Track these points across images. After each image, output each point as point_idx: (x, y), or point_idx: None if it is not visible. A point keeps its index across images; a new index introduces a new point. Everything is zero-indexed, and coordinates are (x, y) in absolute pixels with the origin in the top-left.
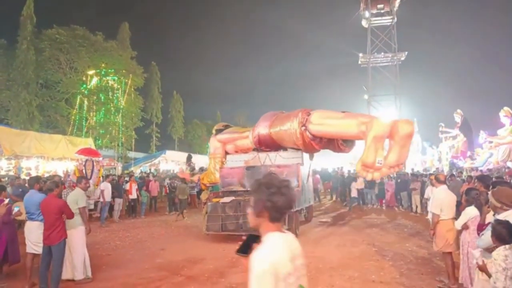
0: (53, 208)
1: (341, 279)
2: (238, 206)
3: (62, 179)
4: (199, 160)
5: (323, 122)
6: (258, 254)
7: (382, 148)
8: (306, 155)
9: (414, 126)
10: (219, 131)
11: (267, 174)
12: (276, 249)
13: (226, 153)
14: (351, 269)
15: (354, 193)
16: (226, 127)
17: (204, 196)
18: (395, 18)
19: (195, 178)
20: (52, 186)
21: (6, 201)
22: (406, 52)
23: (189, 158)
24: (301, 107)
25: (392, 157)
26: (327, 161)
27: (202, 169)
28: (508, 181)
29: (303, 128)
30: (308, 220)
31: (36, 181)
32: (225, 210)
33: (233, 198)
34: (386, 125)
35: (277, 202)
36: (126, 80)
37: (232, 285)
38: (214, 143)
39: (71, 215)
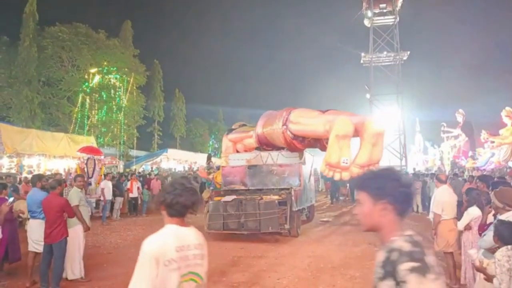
0: (55, 206)
1: (342, 278)
2: (240, 205)
3: (64, 177)
4: (200, 159)
5: (299, 121)
6: (147, 240)
7: (348, 146)
8: (307, 155)
9: (383, 125)
10: (231, 130)
11: (183, 177)
12: (163, 238)
13: (238, 152)
14: (353, 268)
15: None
16: (242, 126)
17: (206, 194)
18: (398, 18)
19: (210, 176)
20: (54, 184)
21: (11, 199)
22: (408, 52)
23: (209, 158)
24: (304, 106)
25: (362, 156)
26: None
27: (219, 168)
28: (509, 182)
29: (284, 127)
30: (309, 219)
31: (38, 179)
32: (226, 209)
33: (235, 197)
34: (348, 124)
35: (172, 200)
36: (128, 78)
37: (233, 284)
38: (226, 142)
39: (72, 214)
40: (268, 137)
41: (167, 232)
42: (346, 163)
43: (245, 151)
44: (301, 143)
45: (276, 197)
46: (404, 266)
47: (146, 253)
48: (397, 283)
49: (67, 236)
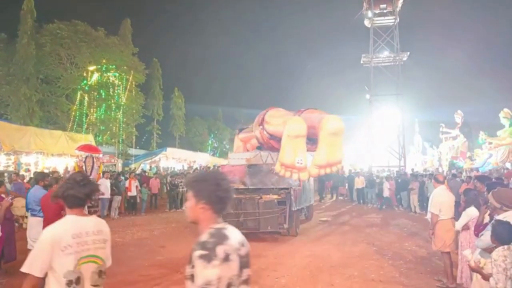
0: (52, 205)
1: (341, 277)
2: (239, 204)
3: (62, 175)
4: (199, 158)
5: (271, 121)
6: (46, 229)
7: (301, 147)
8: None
9: (341, 123)
10: (241, 130)
11: (78, 172)
12: (60, 227)
13: (248, 151)
14: (351, 268)
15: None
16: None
17: None
18: (398, 18)
19: None
20: (52, 182)
21: (9, 198)
22: (408, 53)
23: None
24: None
25: (320, 156)
26: None
27: None
28: (506, 183)
29: (261, 127)
30: (308, 219)
31: (42, 178)
32: None
33: (234, 196)
34: (299, 124)
35: (63, 193)
36: (127, 77)
37: None
38: (237, 142)
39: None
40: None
41: (65, 221)
42: (301, 163)
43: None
44: (278, 143)
45: (275, 196)
46: (196, 253)
47: (42, 240)
48: (192, 266)
49: None
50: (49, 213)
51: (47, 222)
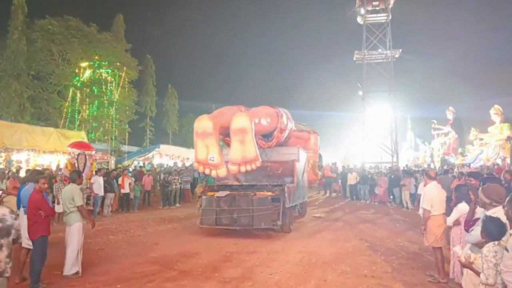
0: (30, 202)
1: (333, 273)
2: (233, 200)
3: (53, 172)
4: (192, 155)
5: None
6: None
7: (213, 144)
8: (301, 152)
9: (244, 121)
10: None
11: None
12: None
13: None
14: (344, 263)
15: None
16: None
17: (199, 189)
18: (390, 16)
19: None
20: (37, 178)
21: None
22: (400, 50)
23: (319, 157)
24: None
25: (233, 153)
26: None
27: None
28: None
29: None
30: (302, 215)
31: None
32: (220, 204)
33: (228, 192)
34: (204, 121)
35: None
36: (120, 73)
37: (225, 279)
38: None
39: (50, 212)
40: None
41: None
42: (213, 160)
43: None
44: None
45: (269, 193)
46: None
47: None
48: None
49: (46, 234)
50: (29, 211)
51: (28, 220)
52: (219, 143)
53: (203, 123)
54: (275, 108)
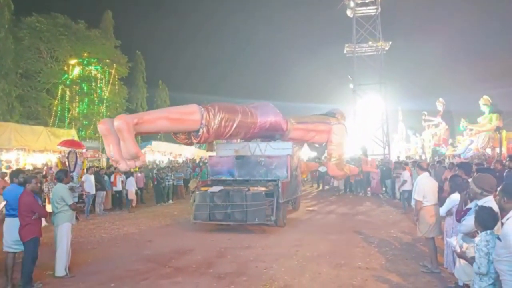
0: (21, 204)
1: (328, 266)
2: (227, 195)
3: (44, 172)
4: (184, 151)
5: None
6: None
7: (108, 144)
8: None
9: (117, 122)
10: None
11: None
12: None
13: None
14: (338, 256)
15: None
16: None
17: (192, 184)
18: (379, 8)
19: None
20: (27, 179)
21: None
22: (390, 42)
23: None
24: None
25: (122, 151)
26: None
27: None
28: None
29: None
30: (295, 209)
31: (16, 175)
32: (213, 199)
33: (222, 187)
34: (106, 123)
35: None
36: (110, 70)
37: (220, 275)
38: None
39: (42, 213)
40: None
41: None
42: (112, 156)
43: None
44: (177, 137)
45: (263, 188)
46: None
47: None
48: None
49: (37, 236)
50: (20, 213)
51: (20, 222)
52: (117, 142)
53: (104, 125)
54: (201, 106)
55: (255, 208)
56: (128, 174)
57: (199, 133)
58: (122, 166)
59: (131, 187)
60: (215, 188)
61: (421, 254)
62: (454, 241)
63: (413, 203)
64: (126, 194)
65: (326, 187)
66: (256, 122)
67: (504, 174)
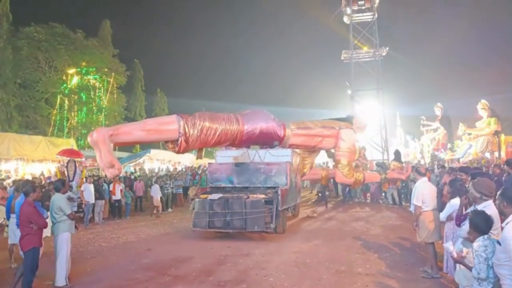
0: (22, 215)
1: (328, 272)
2: (226, 203)
3: (43, 182)
4: (184, 159)
5: None
6: None
7: (96, 154)
8: (294, 154)
9: (94, 135)
10: None
11: None
12: None
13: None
14: (338, 262)
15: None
16: None
17: (192, 192)
18: (376, 14)
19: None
20: (29, 190)
21: None
22: (387, 48)
23: (397, 154)
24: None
25: (100, 160)
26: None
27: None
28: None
29: None
30: (295, 215)
31: (25, 186)
32: (212, 207)
33: (221, 195)
34: (91, 135)
35: None
36: (108, 79)
37: (220, 283)
38: None
39: (41, 224)
40: None
41: None
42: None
43: None
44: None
45: (262, 196)
46: None
47: None
48: None
49: (38, 246)
50: (20, 223)
51: (21, 232)
52: (100, 151)
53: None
54: (179, 116)
55: (254, 216)
56: (152, 182)
57: (178, 142)
58: (107, 173)
59: (157, 195)
60: (214, 196)
61: (421, 259)
62: (451, 246)
63: (412, 208)
64: (126, 203)
65: (327, 193)
66: (242, 130)
67: (503, 178)
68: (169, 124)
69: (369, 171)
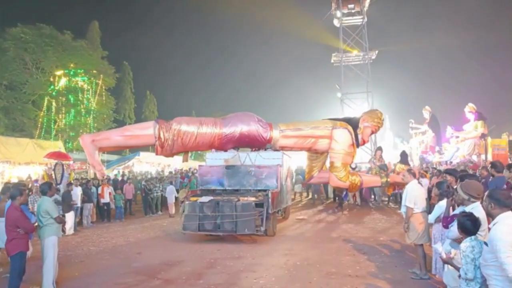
0: (8, 219)
1: (318, 275)
2: (216, 206)
3: (30, 185)
4: (173, 162)
5: None
6: None
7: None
8: (285, 156)
9: (81, 140)
10: None
11: None
12: None
13: None
14: (328, 264)
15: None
16: None
17: (182, 194)
18: (366, 18)
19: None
20: (15, 193)
21: None
22: (377, 51)
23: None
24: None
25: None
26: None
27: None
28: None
29: None
30: (285, 218)
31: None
32: (203, 209)
33: (212, 197)
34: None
35: None
36: (97, 81)
37: (210, 286)
38: None
39: (28, 228)
40: None
41: None
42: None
43: None
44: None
45: (253, 198)
46: None
47: None
48: None
49: (24, 250)
50: (6, 227)
51: (7, 236)
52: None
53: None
54: (156, 122)
55: (245, 218)
56: (166, 183)
57: (155, 147)
58: (98, 175)
59: (171, 196)
60: (205, 198)
61: (410, 261)
62: (440, 247)
63: (403, 210)
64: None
65: (315, 195)
66: (220, 133)
67: (490, 180)
68: (146, 129)
69: (391, 173)
